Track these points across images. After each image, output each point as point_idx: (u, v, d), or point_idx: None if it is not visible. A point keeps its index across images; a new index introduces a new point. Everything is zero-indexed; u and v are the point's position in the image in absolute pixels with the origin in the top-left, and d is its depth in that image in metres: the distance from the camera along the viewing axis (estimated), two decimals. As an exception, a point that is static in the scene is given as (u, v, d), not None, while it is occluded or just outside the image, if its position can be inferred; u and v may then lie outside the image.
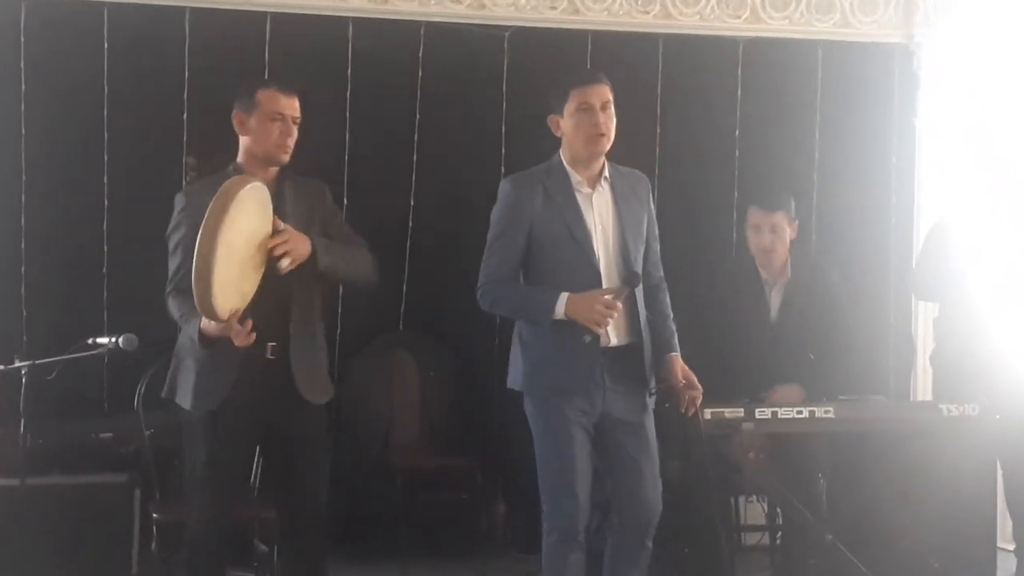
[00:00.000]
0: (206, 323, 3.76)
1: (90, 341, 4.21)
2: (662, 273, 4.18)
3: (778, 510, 5.16)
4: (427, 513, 5.37)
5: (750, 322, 4.95)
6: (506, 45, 5.73)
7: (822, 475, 4.82)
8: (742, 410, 4.39)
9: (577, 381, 3.92)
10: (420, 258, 5.68)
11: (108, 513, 4.70)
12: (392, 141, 5.68)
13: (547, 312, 3.88)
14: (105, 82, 5.35)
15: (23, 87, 5.31)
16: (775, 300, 4.99)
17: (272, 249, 3.79)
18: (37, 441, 4.64)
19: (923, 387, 5.94)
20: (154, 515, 4.58)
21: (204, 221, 3.58)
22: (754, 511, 5.49)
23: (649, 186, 4.17)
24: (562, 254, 3.95)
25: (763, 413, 4.41)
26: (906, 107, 6.12)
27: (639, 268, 4.00)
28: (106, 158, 5.36)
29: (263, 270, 3.82)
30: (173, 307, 3.98)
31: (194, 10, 5.43)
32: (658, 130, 5.87)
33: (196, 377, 3.94)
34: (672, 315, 4.14)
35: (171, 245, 4.02)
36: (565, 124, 3.99)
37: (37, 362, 4.17)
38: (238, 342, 3.72)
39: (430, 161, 5.70)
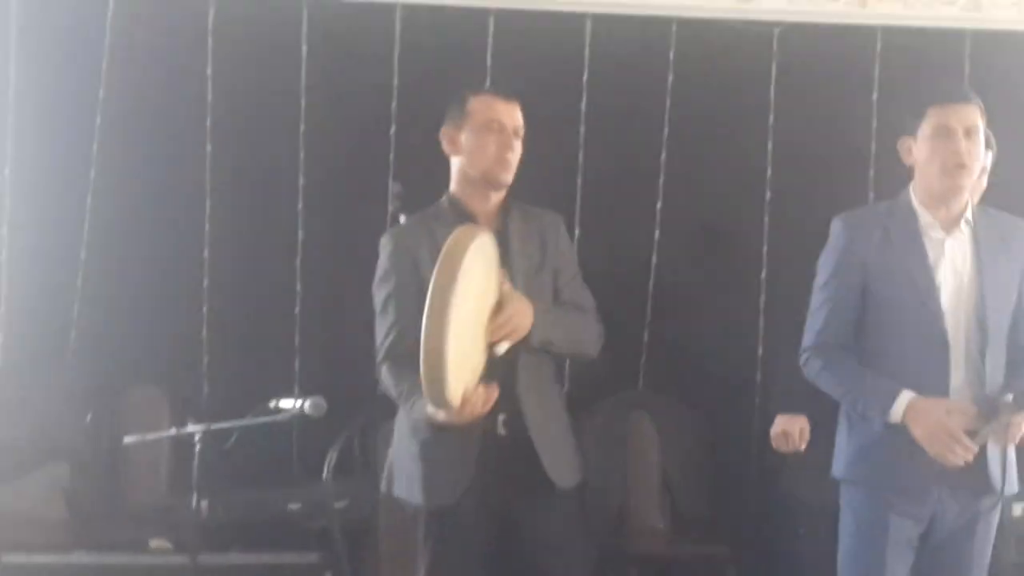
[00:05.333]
0: (431, 410, 3.64)
1: (272, 404, 4.20)
2: None
3: None
4: (669, 610, 5.23)
5: None
6: (775, 44, 5.55)
7: None
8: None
9: (909, 474, 3.73)
10: (665, 301, 5.55)
11: (296, 598, 4.72)
12: (635, 159, 5.57)
13: (881, 411, 3.73)
14: (302, 93, 5.38)
15: (210, 96, 5.39)
16: None
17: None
18: (214, 513, 4.65)
19: None
20: (345, 607, 4.58)
21: (431, 293, 3.43)
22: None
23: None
24: (901, 314, 3.78)
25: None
26: None
27: (998, 337, 3.79)
28: (301, 182, 5.39)
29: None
30: (388, 380, 3.86)
31: (406, 7, 5.41)
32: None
33: (425, 465, 3.81)
34: None
35: (379, 300, 3.93)
36: (918, 150, 3.81)
37: (212, 427, 4.19)
38: (466, 418, 3.60)
39: (680, 183, 5.57)
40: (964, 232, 3.83)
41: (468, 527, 3.77)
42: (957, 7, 5.61)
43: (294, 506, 4.93)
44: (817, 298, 3.93)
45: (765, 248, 5.49)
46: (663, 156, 5.55)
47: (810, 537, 4.62)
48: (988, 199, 4.01)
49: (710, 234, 5.53)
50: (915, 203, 3.86)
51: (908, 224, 3.83)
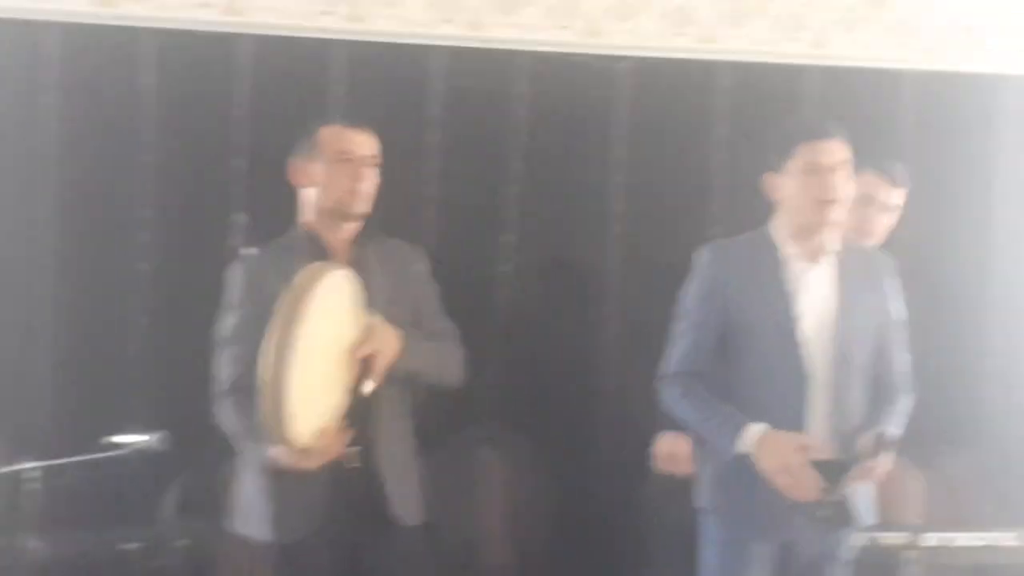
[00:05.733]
0: (278, 450, 3.59)
1: (110, 440, 4.12)
2: (906, 382, 3.99)
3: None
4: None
5: None
6: (622, 79, 5.58)
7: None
8: (904, 536, 4.17)
9: (766, 503, 3.77)
10: (514, 336, 5.52)
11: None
12: (484, 193, 5.56)
13: (731, 443, 3.76)
14: (145, 125, 5.28)
15: (58, 123, 5.27)
16: None
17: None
18: (47, 553, 4.52)
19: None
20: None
21: (273, 331, 3.40)
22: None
23: (892, 271, 4.02)
24: (762, 344, 3.83)
25: (931, 540, 4.18)
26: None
27: (859, 370, 3.84)
28: (146, 215, 5.28)
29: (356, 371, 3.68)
30: (228, 416, 3.80)
31: (247, 37, 5.35)
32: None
33: (273, 501, 3.75)
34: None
35: (225, 331, 3.88)
36: (786, 186, 3.85)
37: (40, 464, 4.10)
38: (316, 462, 3.57)
39: (530, 217, 5.56)
40: (828, 265, 3.89)
41: (316, 564, 3.74)
42: (803, 43, 5.69)
43: (132, 545, 4.81)
44: (679, 326, 3.97)
45: (615, 282, 5.51)
46: (513, 190, 5.55)
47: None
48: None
49: (560, 268, 5.53)
50: (779, 235, 3.91)
51: (771, 256, 3.89)
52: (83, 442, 4.23)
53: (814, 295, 3.86)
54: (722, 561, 3.88)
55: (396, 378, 3.80)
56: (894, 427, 3.86)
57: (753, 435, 3.73)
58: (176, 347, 4.94)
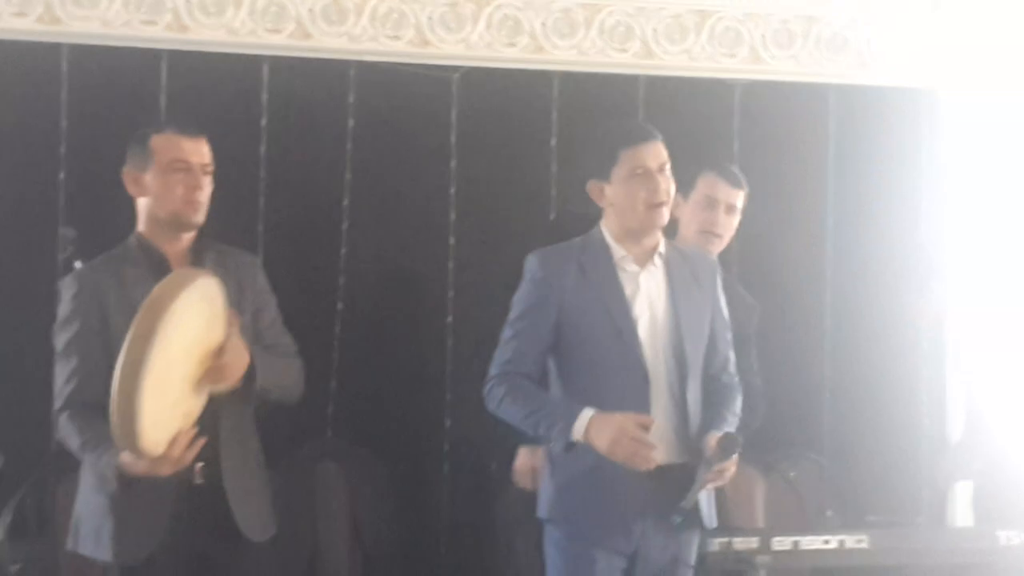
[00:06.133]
0: (128, 457, 3.50)
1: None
2: (736, 379, 4.03)
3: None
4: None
5: None
6: (454, 89, 5.58)
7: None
8: (756, 540, 4.20)
9: (612, 510, 3.77)
10: (352, 349, 5.49)
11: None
12: (317, 204, 5.52)
13: (564, 430, 3.72)
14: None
15: None
16: None
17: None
18: None
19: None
20: None
21: (126, 346, 3.32)
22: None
23: (716, 271, 4.05)
24: (599, 348, 3.81)
25: (781, 544, 4.21)
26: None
27: (696, 370, 3.87)
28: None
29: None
30: (68, 430, 3.69)
31: (74, 47, 5.21)
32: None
33: (115, 521, 3.65)
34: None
35: (59, 345, 3.76)
36: (613, 192, 3.84)
37: None
38: (169, 468, 3.49)
39: (363, 229, 5.53)
40: (657, 266, 3.92)
41: None
42: (629, 54, 5.74)
43: (-40, 573, 4.68)
44: (508, 331, 3.94)
45: (451, 293, 5.50)
46: (345, 201, 5.50)
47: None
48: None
49: (396, 280, 5.51)
50: (608, 239, 3.92)
51: (602, 259, 3.89)
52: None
53: (645, 297, 3.88)
54: (567, 569, 3.86)
55: (242, 394, 3.73)
56: (733, 427, 3.90)
57: (585, 418, 3.71)
58: (6, 364, 4.78)
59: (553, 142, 5.60)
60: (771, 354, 4.97)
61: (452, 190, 5.56)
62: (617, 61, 5.71)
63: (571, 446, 3.75)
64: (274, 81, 5.41)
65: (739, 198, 4.72)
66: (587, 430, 3.70)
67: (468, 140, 5.58)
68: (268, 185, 5.42)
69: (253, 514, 3.80)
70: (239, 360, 3.66)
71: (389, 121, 5.53)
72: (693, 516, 3.84)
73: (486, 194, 5.55)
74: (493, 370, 3.92)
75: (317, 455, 5.42)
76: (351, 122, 5.51)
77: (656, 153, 3.87)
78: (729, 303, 4.12)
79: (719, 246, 4.60)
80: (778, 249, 5.71)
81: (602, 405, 3.76)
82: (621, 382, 3.80)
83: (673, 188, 3.91)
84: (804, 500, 5.16)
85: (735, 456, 3.79)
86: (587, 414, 3.71)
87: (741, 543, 4.13)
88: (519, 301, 3.94)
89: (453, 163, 5.57)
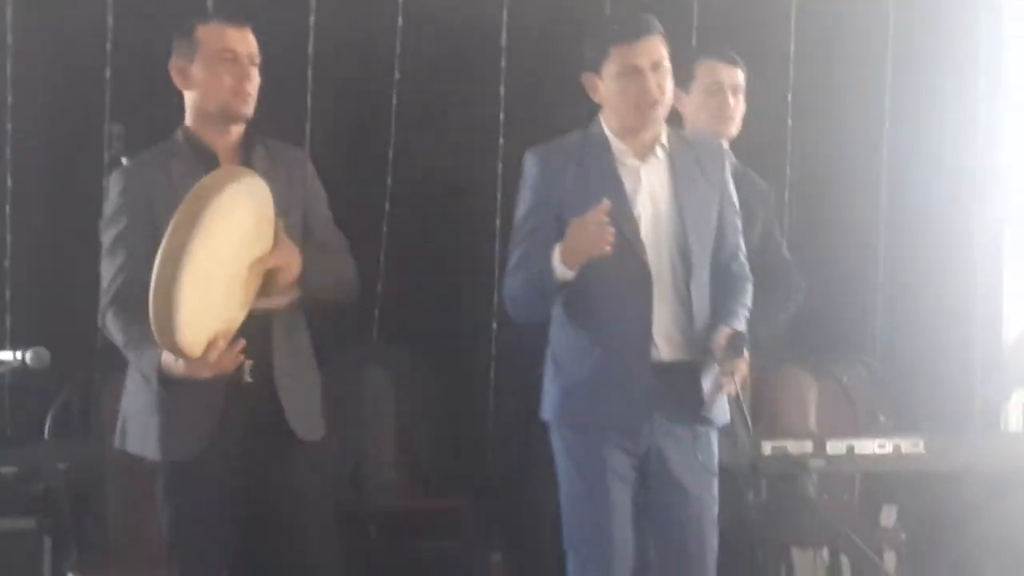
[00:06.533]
0: (170, 358, 3.46)
1: (-15, 357, 3.94)
2: (747, 269, 3.92)
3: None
4: (408, 565, 5.16)
5: None
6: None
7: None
8: (810, 443, 4.15)
9: (619, 411, 3.71)
10: (399, 251, 5.45)
11: (9, 568, 4.49)
12: (365, 104, 5.45)
13: (549, 272, 3.65)
14: (8, 31, 5.05)
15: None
16: None
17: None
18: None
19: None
20: (69, 575, 4.36)
21: (167, 236, 3.27)
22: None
23: (724, 157, 3.95)
24: None
25: (836, 448, 4.16)
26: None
27: (702, 264, 3.77)
28: (9, 127, 5.06)
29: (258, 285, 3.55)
30: (114, 327, 3.64)
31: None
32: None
33: (163, 418, 3.60)
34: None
35: (107, 241, 3.71)
36: (606, 88, 3.76)
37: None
38: (208, 372, 3.43)
39: (412, 129, 5.46)
40: (660, 158, 3.82)
41: (211, 480, 3.61)
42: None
43: (9, 469, 4.62)
44: (517, 234, 3.87)
45: (499, 195, 5.42)
46: (394, 101, 5.44)
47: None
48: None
49: (444, 182, 5.44)
50: (607, 132, 3.83)
51: (602, 155, 3.80)
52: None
53: (647, 192, 3.78)
54: (579, 470, 3.79)
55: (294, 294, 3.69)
56: (741, 321, 3.80)
57: (558, 247, 3.63)
58: (54, 262, 4.78)
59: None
60: (825, 258, 4.91)
61: (502, 90, 5.48)
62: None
63: (560, 288, 3.70)
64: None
65: (742, 76, 4.56)
66: (562, 253, 3.62)
67: (518, 39, 5.50)
68: (316, 84, 5.35)
69: (304, 413, 3.76)
70: (291, 264, 3.61)
71: (439, 19, 5.43)
72: (693, 405, 3.76)
73: (536, 95, 5.45)
74: (506, 276, 3.88)
75: (364, 358, 5.42)
76: (400, 20, 5.43)
77: (649, 50, 3.72)
78: (739, 188, 4.01)
79: (733, 129, 4.46)
80: (833, 153, 5.61)
81: (604, 303, 3.73)
82: (623, 281, 3.72)
83: (670, 84, 3.78)
84: (856, 405, 5.09)
85: (745, 354, 3.68)
86: (557, 248, 3.65)
87: (794, 447, 4.09)
88: (522, 201, 3.87)
89: (503, 62, 5.49)
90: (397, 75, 5.44)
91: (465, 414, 5.45)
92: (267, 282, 3.58)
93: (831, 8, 5.69)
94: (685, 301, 3.77)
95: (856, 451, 4.17)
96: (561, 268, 3.64)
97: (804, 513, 4.42)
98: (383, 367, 5.41)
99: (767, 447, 4.04)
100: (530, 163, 3.86)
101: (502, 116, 5.49)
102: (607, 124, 3.83)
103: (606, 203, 3.57)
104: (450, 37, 5.47)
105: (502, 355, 5.37)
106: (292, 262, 3.61)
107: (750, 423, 3.76)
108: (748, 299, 3.90)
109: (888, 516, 4.77)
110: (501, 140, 5.45)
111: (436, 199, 5.45)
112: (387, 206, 5.46)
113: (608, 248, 3.56)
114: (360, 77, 5.44)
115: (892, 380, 5.39)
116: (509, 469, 5.29)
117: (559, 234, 3.69)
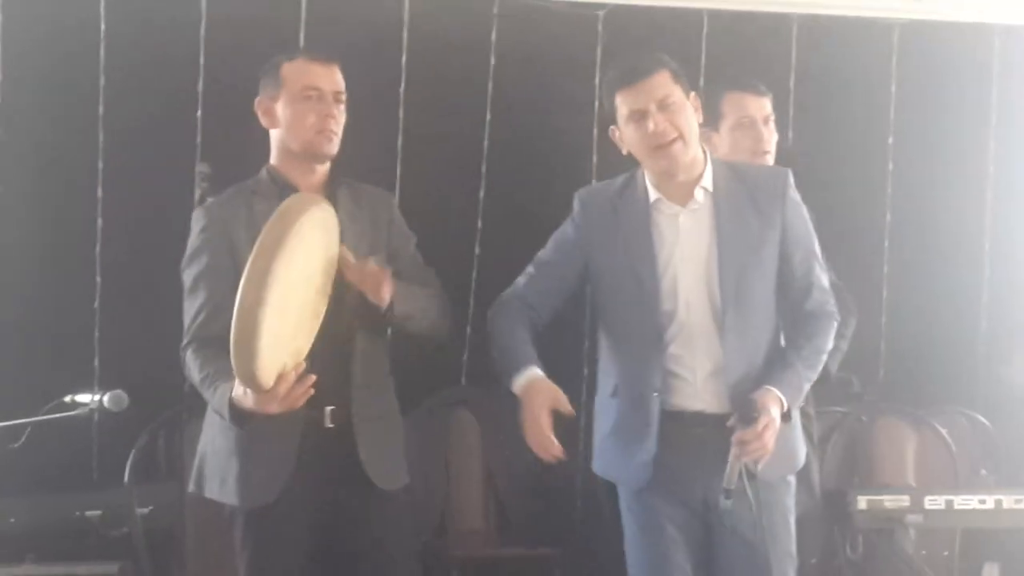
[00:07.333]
0: (240, 391, 3.41)
1: (68, 399, 3.92)
2: (830, 307, 3.75)
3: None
4: (494, 615, 5.09)
5: None
6: (600, 27, 5.44)
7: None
8: (908, 497, 4.03)
9: (672, 465, 3.64)
10: (489, 293, 5.33)
11: (92, 612, 4.44)
12: (456, 145, 5.41)
13: (508, 380, 3.64)
14: (101, 72, 5.07)
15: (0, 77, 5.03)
16: None
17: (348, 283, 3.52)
18: (7, 521, 4.43)
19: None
20: (149, 619, 4.33)
21: (252, 258, 3.23)
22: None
23: (786, 187, 3.75)
24: (621, 297, 3.68)
25: (934, 503, 4.05)
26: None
27: (748, 309, 3.63)
28: (101, 166, 5.07)
29: (322, 316, 3.50)
30: (192, 364, 3.63)
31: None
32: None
33: (241, 462, 3.59)
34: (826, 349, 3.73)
35: (188, 280, 3.72)
36: (623, 137, 3.70)
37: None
38: (277, 407, 3.37)
39: (503, 171, 5.44)
40: (700, 202, 3.70)
41: (288, 526, 3.59)
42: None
43: (92, 513, 4.61)
44: (536, 259, 3.96)
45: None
46: (485, 143, 5.40)
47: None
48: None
49: (534, 225, 5.33)
50: (646, 180, 3.75)
51: (638, 204, 3.74)
52: (39, 402, 4.03)
53: (686, 241, 3.68)
54: (639, 526, 3.73)
55: (380, 320, 3.64)
56: (785, 380, 3.61)
57: (523, 378, 3.61)
58: (143, 303, 4.78)
59: (701, 81, 5.41)
60: (927, 307, 4.78)
61: (595, 131, 5.40)
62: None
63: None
64: (415, 19, 5.31)
65: (769, 105, 4.46)
66: (523, 391, 3.60)
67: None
68: (407, 125, 5.33)
69: (383, 462, 3.71)
70: (376, 280, 3.56)
71: (532, 60, 5.41)
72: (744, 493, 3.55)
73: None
74: (506, 291, 3.89)
75: (451, 403, 5.37)
76: (493, 60, 5.40)
77: (650, 89, 3.64)
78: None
79: (770, 160, 4.36)
80: (939, 192, 5.49)
81: (619, 356, 3.73)
82: (640, 330, 3.67)
83: (691, 121, 3.68)
84: (957, 458, 4.94)
85: (758, 425, 3.47)
86: (526, 375, 3.61)
87: (891, 501, 4.00)
88: (554, 236, 3.89)
89: (596, 104, 5.41)
90: (488, 116, 5.40)
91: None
92: (357, 307, 3.55)
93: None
94: (729, 355, 3.64)
95: (956, 506, 4.09)
96: (518, 392, 3.64)
97: (901, 570, 4.31)
98: (471, 412, 5.35)
99: (862, 501, 3.95)
100: (576, 203, 3.85)
101: (595, 158, 5.40)
102: (646, 171, 3.75)
103: (571, 412, 3.61)
104: (543, 76, 5.43)
105: (592, 401, 5.27)
106: (377, 279, 3.55)
107: (753, 499, 3.56)
108: (822, 341, 3.73)
109: (990, 574, 4.63)
110: (594, 180, 5.37)
111: (526, 242, 5.35)
112: (477, 249, 5.41)
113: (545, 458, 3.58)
114: (451, 117, 5.39)
115: (994, 433, 5.24)
116: (598, 519, 5.20)
117: (582, 280, 3.75)
